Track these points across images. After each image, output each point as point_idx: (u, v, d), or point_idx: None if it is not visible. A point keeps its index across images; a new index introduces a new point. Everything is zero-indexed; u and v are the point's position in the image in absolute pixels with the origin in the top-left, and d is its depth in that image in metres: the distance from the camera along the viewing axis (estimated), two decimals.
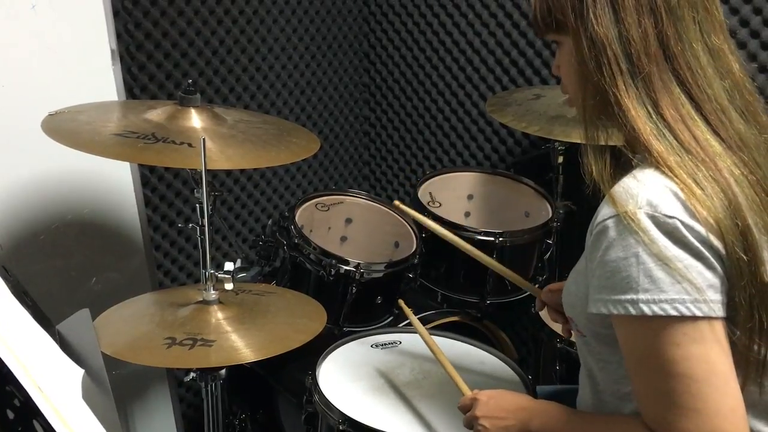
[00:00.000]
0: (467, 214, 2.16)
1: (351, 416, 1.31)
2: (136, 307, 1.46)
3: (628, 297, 0.94)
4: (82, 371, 0.96)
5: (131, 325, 1.38)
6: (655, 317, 0.93)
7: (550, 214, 1.99)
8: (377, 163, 2.79)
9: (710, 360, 0.92)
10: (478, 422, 1.17)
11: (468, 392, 1.26)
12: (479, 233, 1.87)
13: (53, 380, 0.84)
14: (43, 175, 1.72)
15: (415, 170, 2.68)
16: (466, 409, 1.21)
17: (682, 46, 0.98)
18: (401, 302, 1.58)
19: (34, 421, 0.79)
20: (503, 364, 1.55)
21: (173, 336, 1.28)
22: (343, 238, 2.05)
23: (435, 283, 1.97)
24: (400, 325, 1.83)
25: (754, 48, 1.85)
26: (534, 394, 1.41)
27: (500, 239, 1.85)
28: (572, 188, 2.01)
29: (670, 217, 0.93)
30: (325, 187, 2.62)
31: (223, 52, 2.18)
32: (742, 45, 1.86)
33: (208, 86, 2.18)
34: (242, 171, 2.32)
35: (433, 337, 1.63)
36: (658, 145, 0.97)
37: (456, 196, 2.14)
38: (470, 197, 2.16)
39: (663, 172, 0.96)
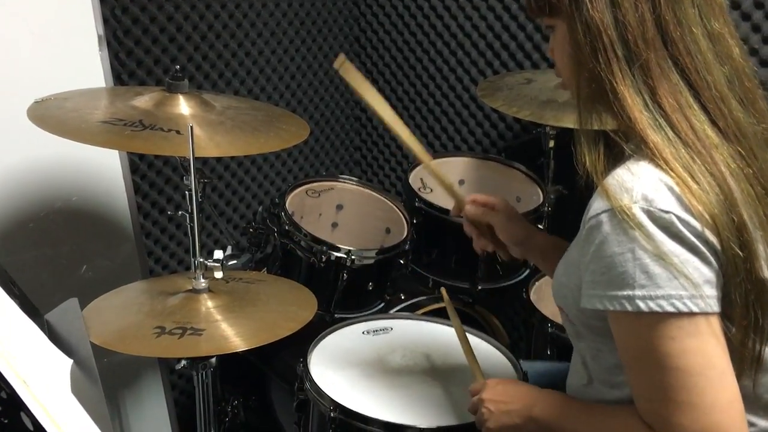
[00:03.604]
0: None
1: (342, 403, 1.31)
2: (125, 296, 1.45)
3: (625, 293, 0.93)
4: (70, 361, 0.95)
5: (120, 314, 1.37)
6: (652, 313, 0.91)
7: (542, 199, 1.98)
8: (368, 148, 2.78)
9: (706, 353, 0.91)
10: (484, 405, 1.17)
11: (482, 379, 1.26)
12: None
13: (39, 373, 0.83)
14: (31, 162, 1.71)
15: (406, 155, 2.67)
16: (476, 393, 1.21)
17: (681, 31, 0.96)
18: (443, 290, 1.53)
19: (21, 414, 0.79)
20: (494, 349, 1.55)
21: (162, 325, 1.27)
22: (334, 225, 2.05)
23: (426, 269, 1.97)
24: (391, 311, 1.83)
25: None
26: (525, 377, 1.42)
27: None
28: (563, 173, 2.00)
29: (666, 212, 0.91)
30: (316, 172, 2.61)
31: (212, 36, 2.16)
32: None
33: (197, 72, 2.16)
34: (233, 157, 2.30)
35: (427, 323, 1.64)
36: (654, 137, 0.94)
37: None
38: (461, 182, 2.16)
39: (658, 165, 0.94)
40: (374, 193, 2.03)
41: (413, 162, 2.11)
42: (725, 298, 0.94)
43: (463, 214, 1.43)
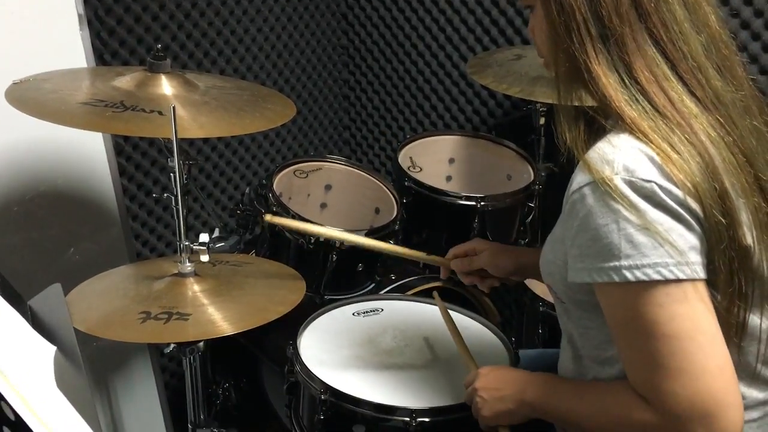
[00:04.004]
0: (449, 178, 2.14)
1: (333, 386, 1.30)
2: (109, 281, 1.43)
3: (611, 264, 0.93)
4: (53, 349, 0.94)
5: (105, 299, 1.35)
6: (639, 282, 0.92)
7: (532, 177, 1.97)
8: (357, 127, 2.75)
9: (695, 319, 0.92)
10: (477, 394, 1.17)
11: (474, 368, 1.26)
12: (461, 197, 1.85)
13: (20, 361, 0.82)
14: (13, 145, 1.68)
15: (396, 134, 2.64)
16: (470, 384, 1.21)
17: (656, 2, 0.96)
18: (435, 294, 1.54)
19: (2, 403, 0.77)
20: (486, 329, 1.54)
21: (148, 310, 1.25)
22: (323, 205, 2.03)
23: (417, 249, 1.95)
24: (382, 292, 1.82)
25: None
26: (517, 357, 1.41)
27: (482, 203, 1.84)
28: (554, 150, 1.99)
29: (648, 181, 0.91)
30: (304, 152, 2.58)
31: (196, 14, 2.12)
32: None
33: (181, 51, 2.12)
34: (220, 138, 2.27)
35: (417, 303, 1.63)
36: (630, 112, 0.95)
37: (437, 160, 2.11)
38: (451, 161, 2.14)
39: (637, 137, 0.94)
40: (363, 173, 2.01)
41: (402, 140, 2.09)
42: (709, 266, 0.95)
43: (454, 270, 1.48)
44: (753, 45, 1.82)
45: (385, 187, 1.97)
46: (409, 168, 1.98)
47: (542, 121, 1.97)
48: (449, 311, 1.46)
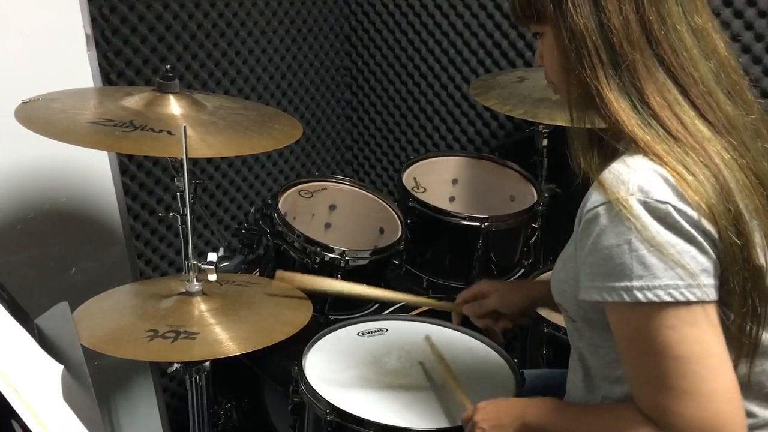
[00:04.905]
0: (452, 199, 2.14)
1: (338, 406, 1.30)
2: (117, 299, 1.43)
3: (622, 284, 0.94)
4: (61, 367, 0.93)
5: (112, 317, 1.35)
6: (650, 303, 0.92)
7: (536, 198, 1.98)
8: (360, 147, 2.77)
9: (705, 342, 0.92)
10: (478, 426, 1.17)
11: (469, 405, 1.25)
12: (464, 218, 1.86)
13: (30, 381, 0.81)
14: (18, 163, 1.68)
15: (398, 155, 2.66)
16: (467, 420, 1.20)
17: (666, 29, 0.97)
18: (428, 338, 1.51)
19: (13, 422, 0.77)
20: (490, 349, 1.54)
21: (155, 328, 1.25)
22: (327, 225, 2.03)
23: (420, 269, 1.96)
24: (386, 312, 1.82)
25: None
26: (522, 378, 1.41)
27: (485, 224, 1.84)
28: (557, 171, 2.00)
29: (662, 203, 0.92)
30: (308, 172, 2.59)
31: (201, 35, 2.14)
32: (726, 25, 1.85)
33: (186, 71, 2.13)
34: (224, 157, 2.28)
35: (422, 323, 1.63)
36: (643, 136, 0.96)
37: (441, 180, 2.12)
38: (455, 182, 2.15)
39: (652, 159, 0.95)
40: (367, 193, 2.02)
41: (406, 161, 2.10)
42: (723, 287, 0.95)
43: (467, 314, 1.47)
44: (754, 69, 1.84)
45: (389, 207, 1.97)
46: (413, 188, 1.99)
47: (545, 142, 1.98)
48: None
